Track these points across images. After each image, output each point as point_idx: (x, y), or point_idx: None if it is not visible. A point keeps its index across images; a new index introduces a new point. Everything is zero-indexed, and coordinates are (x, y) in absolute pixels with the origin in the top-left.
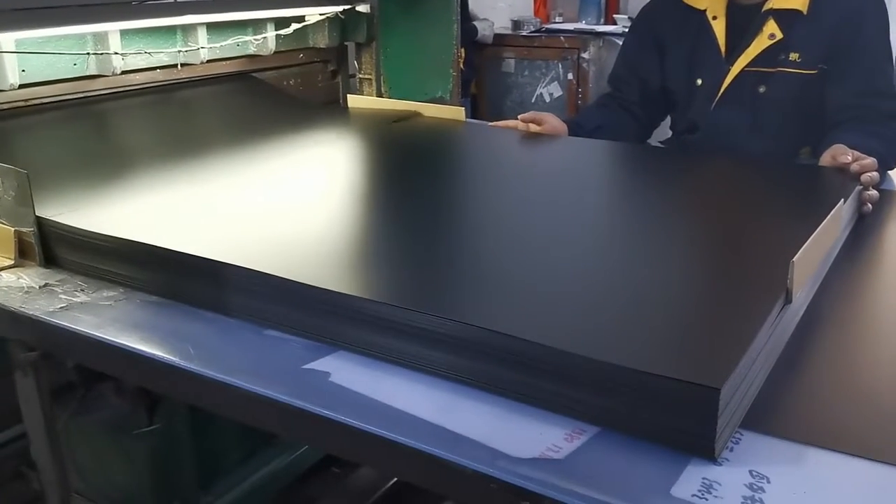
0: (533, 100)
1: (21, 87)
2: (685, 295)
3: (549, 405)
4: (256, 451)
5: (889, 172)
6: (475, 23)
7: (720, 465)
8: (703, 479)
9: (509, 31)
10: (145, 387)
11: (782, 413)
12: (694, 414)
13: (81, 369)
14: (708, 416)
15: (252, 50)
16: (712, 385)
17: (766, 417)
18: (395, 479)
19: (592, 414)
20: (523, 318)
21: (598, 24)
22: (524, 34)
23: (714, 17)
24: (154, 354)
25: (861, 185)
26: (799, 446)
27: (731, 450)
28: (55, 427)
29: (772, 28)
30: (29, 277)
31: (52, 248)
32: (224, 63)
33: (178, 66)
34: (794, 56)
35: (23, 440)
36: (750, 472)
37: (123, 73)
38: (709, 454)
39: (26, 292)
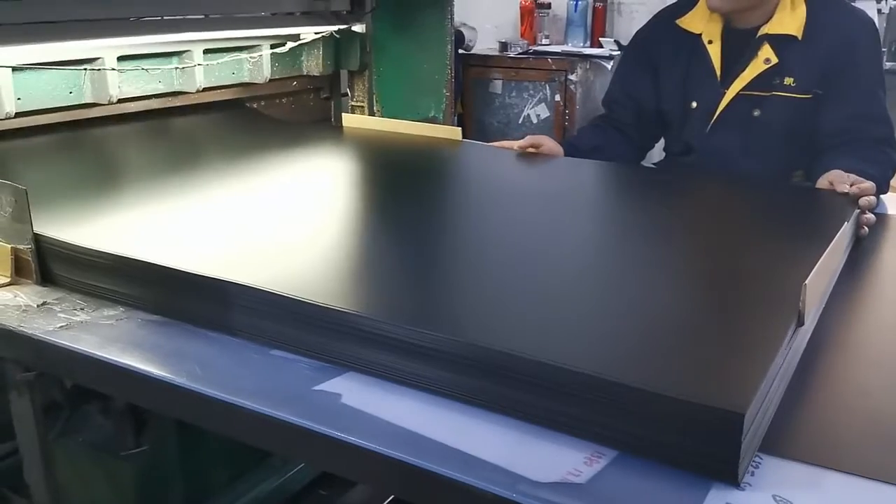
0: (520, 121)
1: (17, 115)
2: (698, 318)
3: (567, 428)
4: (245, 473)
5: (882, 197)
6: (461, 28)
7: (743, 489)
8: (727, 503)
9: (496, 53)
10: (148, 408)
11: (798, 436)
12: (716, 438)
13: (68, 389)
14: (731, 441)
15: (247, 76)
16: (736, 409)
17: (784, 440)
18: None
19: (612, 437)
20: (540, 341)
21: (584, 46)
22: (511, 56)
23: (710, 42)
24: (159, 375)
25: (859, 208)
26: (818, 469)
27: (753, 474)
28: (49, 448)
29: (767, 53)
30: (26, 296)
31: (49, 265)
32: (218, 91)
33: (174, 84)
34: (788, 80)
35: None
36: (773, 496)
37: (119, 101)
38: (732, 478)
39: (24, 311)
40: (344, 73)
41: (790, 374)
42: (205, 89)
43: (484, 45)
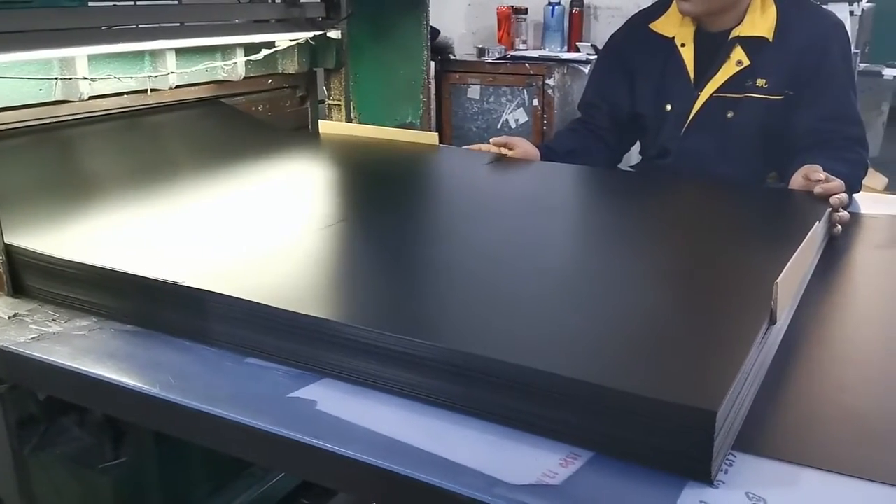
0: (499, 125)
1: None
2: (670, 318)
3: (542, 430)
4: (226, 484)
5: (855, 195)
6: (433, 25)
7: (716, 487)
8: (701, 501)
9: (474, 58)
10: (124, 419)
11: (772, 433)
12: (689, 437)
13: (44, 402)
14: (704, 439)
15: (221, 76)
16: (708, 408)
17: (757, 438)
18: None
19: (586, 438)
20: (512, 343)
21: (561, 51)
22: (489, 61)
23: (682, 45)
24: (133, 385)
25: (831, 207)
26: (792, 467)
27: (726, 472)
28: (24, 462)
29: (739, 55)
30: None
31: (21, 276)
32: (193, 89)
33: (148, 92)
34: (761, 82)
35: None
36: (746, 494)
37: (91, 98)
38: (705, 477)
39: None
40: (320, 73)
41: (764, 372)
42: (178, 87)
43: (461, 50)
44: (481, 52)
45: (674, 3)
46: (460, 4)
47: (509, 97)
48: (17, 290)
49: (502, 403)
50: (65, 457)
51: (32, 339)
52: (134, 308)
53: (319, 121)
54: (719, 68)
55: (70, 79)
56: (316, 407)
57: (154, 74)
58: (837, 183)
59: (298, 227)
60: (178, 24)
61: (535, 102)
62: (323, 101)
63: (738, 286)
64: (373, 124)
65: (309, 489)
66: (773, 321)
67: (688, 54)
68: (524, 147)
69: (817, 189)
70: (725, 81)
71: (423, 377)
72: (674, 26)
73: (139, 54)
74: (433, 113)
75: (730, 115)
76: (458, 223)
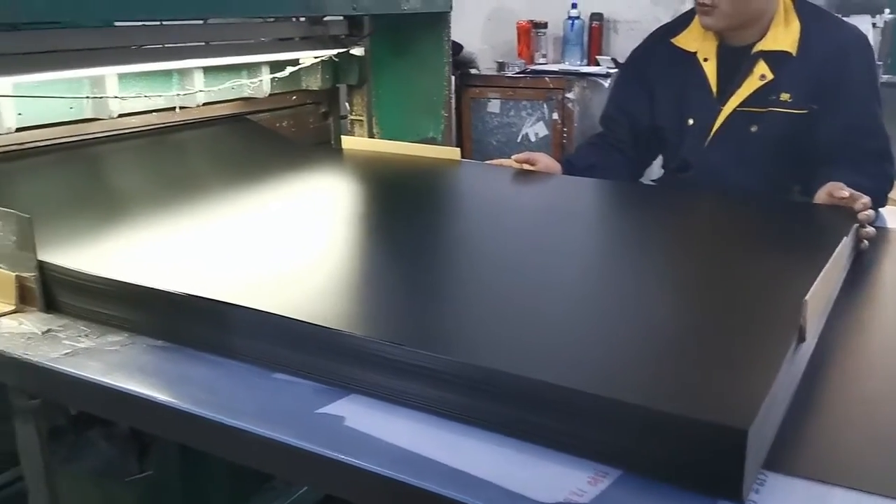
0: (518, 139)
1: (18, 130)
2: (698, 334)
3: (569, 448)
4: (248, 497)
5: (881, 210)
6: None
7: None
8: None
9: (494, 73)
10: (153, 433)
11: (803, 452)
12: (721, 455)
13: (72, 416)
14: (735, 458)
15: (247, 93)
16: (739, 426)
17: (787, 457)
18: None
19: (614, 456)
20: (538, 359)
21: (581, 64)
22: (509, 75)
23: (705, 59)
24: (163, 400)
25: (858, 222)
26: (823, 486)
27: (758, 491)
28: (55, 476)
29: (762, 69)
30: (30, 323)
31: (54, 292)
32: (219, 106)
33: (176, 110)
34: (785, 96)
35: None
36: None
37: (120, 116)
38: (736, 496)
39: (28, 338)
40: (343, 89)
41: (793, 389)
42: (205, 104)
43: (482, 64)
44: (501, 66)
45: (696, 18)
46: (479, 19)
47: (529, 111)
48: (50, 306)
49: (529, 420)
50: (92, 470)
51: (65, 354)
52: (164, 323)
53: (342, 136)
54: (742, 82)
55: (100, 97)
56: (344, 423)
57: (182, 92)
58: (867, 199)
59: (323, 242)
60: (204, 44)
61: (555, 116)
62: (345, 117)
63: (765, 302)
64: (394, 139)
65: (331, 503)
66: (802, 339)
67: (710, 69)
68: (546, 162)
69: (850, 203)
70: (749, 96)
71: (448, 393)
72: (696, 41)
73: (168, 73)
74: (454, 128)
75: (753, 129)
76: (481, 238)
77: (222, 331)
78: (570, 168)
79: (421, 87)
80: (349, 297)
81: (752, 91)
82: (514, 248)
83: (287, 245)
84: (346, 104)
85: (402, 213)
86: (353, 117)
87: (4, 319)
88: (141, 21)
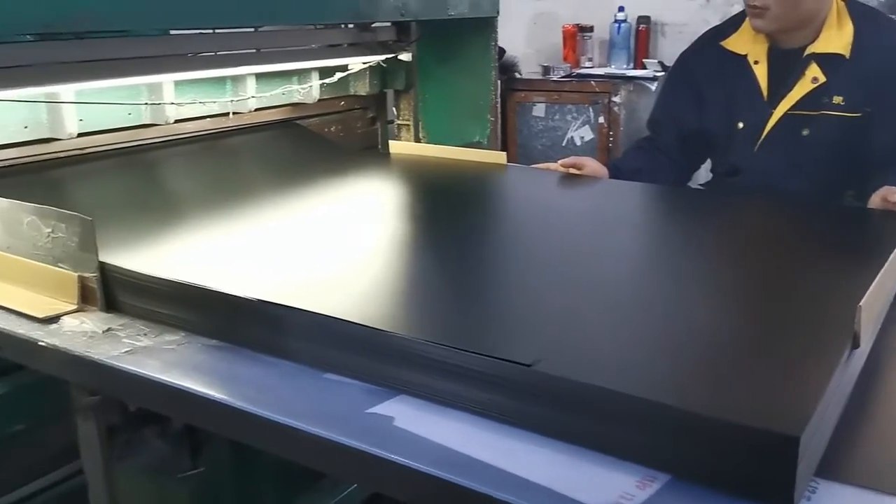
0: (564, 143)
1: (80, 135)
2: (751, 340)
3: (618, 452)
4: (298, 495)
5: None
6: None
7: None
8: None
9: (539, 77)
10: (206, 429)
11: (855, 460)
12: (772, 462)
13: (128, 413)
14: (787, 464)
15: (297, 98)
16: (791, 433)
17: (840, 464)
18: None
19: (662, 461)
20: (587, 363)
21: (627, 68)
22: (554, 79)
23: (756, 62)
24: (217, 398)
25: None
26: (875, 494)
27: (809, 499)
28: (113, 470)
29: (814, 72)
30: (91, 322)
31: (114, 292)
32: (270, 111)
33: (230, 115)
34: (837, 99)
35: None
36: None
37: (176, 121)
38: (787, 503)
39: (90, 337)
40: (390, 94)
41: (846, 396)
42: (256, 109)
43: (525, 69)
44: (546, 70)
45: (746, 21)
46: (524, 23)
47: (574, 115)
48: (111, 305)
49: (577, 423)
50: (146, 466)
51: (125, 352)
52: (219, 323)
53: (389, 141)
54: (794, 85)
55: (158, 103)
56: (393, 423)
57: (235, 98)
58: None
59: (371, 244)
60: (256, 51)
61: (601, 120)
62: (392, 122)
63: (818, 308)
64: (440, 143)
65: (379, 501)
66: (856, 345)
67: (761, 71)
68: (592, 166)
69: None
70: (800, 99)
71: (498, 395)
72: (746, 43)
73: (221, 79)
74: (499, 132)
75: (805, 132)
76: (528, 241)
77: (274, 332)
78: (616, 172)
79: (467, 92)
80: (397, 300)
81: (803, 94)
82: (561, 251)
83: (336, 248)
84: (394, 109)
85: (449, 217)
86: (400, 122)
87: (67, 318)
88: (196, 30)
